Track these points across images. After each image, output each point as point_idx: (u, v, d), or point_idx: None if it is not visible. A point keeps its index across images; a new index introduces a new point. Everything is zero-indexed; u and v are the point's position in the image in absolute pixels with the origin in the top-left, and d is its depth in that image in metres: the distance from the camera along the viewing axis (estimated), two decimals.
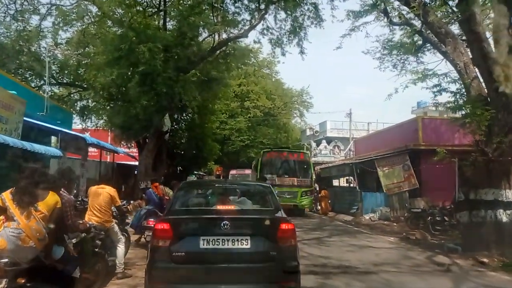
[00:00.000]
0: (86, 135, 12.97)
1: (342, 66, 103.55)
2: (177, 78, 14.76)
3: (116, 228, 6.77)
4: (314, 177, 20.58)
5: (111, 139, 26.82)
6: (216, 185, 7.42)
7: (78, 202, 10.79)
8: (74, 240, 5.02)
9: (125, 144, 23.79)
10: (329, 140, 34.98)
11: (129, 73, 15.12)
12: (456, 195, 10.87)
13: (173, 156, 23.03)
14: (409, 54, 12.72)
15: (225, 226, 4.76)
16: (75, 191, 11.37)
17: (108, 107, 18.78)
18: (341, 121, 36.95)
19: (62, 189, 4.71)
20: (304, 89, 39.41)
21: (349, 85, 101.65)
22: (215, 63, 19.20)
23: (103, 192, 6.67)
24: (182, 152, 23.57)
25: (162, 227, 4.85)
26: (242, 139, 35.24)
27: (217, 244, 4.73)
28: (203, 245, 4.72)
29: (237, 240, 4.76)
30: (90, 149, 22.64)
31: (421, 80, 10.91)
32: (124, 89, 19.03)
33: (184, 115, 20.33)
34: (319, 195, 21.92)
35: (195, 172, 32.61)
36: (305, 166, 20.23)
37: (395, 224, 16.19)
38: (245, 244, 4.76)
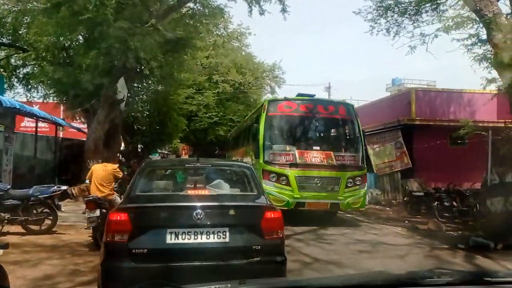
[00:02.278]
0: (3, 97, 9.65)
1: (317, 46, 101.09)
2: (134, 31, 11.59)
3: (118, 199, 7.21)
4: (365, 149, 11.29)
5: (63, 112, 23.30)
6: (186, 165, 5.87)
7: None
8: None
9: (79, 118, 20.39)
10: None
11: (72, 23, 11.73)
12: (488, 177, 8.58)
13: (132, 132, 19.84)
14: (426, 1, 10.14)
15: (198, 216, 3.91)
16: None
17: (51, 72, 15.30)
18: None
19: None
20: (277, 63, 36.44)
21: (322, 66, 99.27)
22: (182, 23, 16.11)
23: (106, 169, 7.61)
24: (143, 128, 20.35)
25: (118, 217, 3.92)
26: (210, 115, 32.03)
27: (188, 238, 3.89)
28: (171, 239, 3.86)
29: (213, 232, 3.93)
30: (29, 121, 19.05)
31: (456, 27, 8.42)
32: (71, 51, 15.74)
33: (144, 82, 17.03)
34: None
35: (159, 151, 29.36)
36: (350, 130, 11.13)
37: (388, 208, 14.03)
38: (222, 237, 3.93)
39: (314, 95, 11.50)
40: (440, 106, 16.00)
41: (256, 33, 63.12)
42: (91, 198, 7.04)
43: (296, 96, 11.47)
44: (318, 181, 9.80)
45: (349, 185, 10.00)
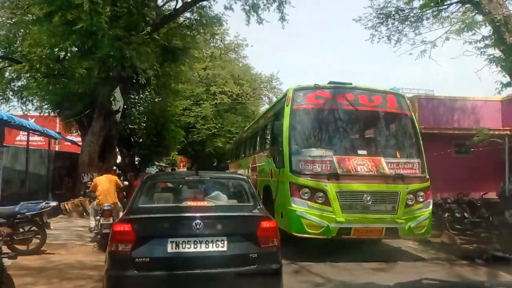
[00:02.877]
0: None
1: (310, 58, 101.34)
2: (129, 40, 11.12)
3: (119, 204, 8.88)
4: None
5: (59, 125, 22.70)
6: (186, 178, 6.07)
7: None
8: None
9: (75, 131, 19.81)
10: None
11: (65, 33, 11.24)
12: (506, 186, 8.04)
13: (129, 144, 19.28)
14: (432, 5, 9.73)
15: (198, 226, 4.06)
16: None
17: (45, 83, 14.77)
18: None
19: None
20: (274, 74, 36.21)
21: (320, 74, 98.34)
22: (179, 32, 15.69)
23: (110, 179, 8.77)
24: (140, 140, 19.78)
25: (122, 228, 4.06)
26: (208, 127, 31.50)
27: (188, 247, 4.02)
28: (172, 248, 3.99)
29: (212, 241, 4.06)
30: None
31: (468, 29, 7.96)
32: (66, 63, 15.22)
33: (141, 93, 16.51)
34: None
35: (156, 163, 28.70)
36: (404, 128, 8.40)
37: None
38: (221, 246, 4.07)
39: (351, 83, 8.28)
40: (444, 114, 15.52)
41: (253, 44, 62.77)
42: (108, 207, 8.01)
43: (328, 84, 8.25)
44: (368, 198, 6.98)
45: (410, 203, 7.26)
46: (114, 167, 15.20)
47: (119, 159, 20.08)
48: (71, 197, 12.46)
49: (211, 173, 6.91)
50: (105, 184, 8.56)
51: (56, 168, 14.91)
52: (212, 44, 35.93)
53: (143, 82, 11.61)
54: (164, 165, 33.77)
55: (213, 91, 32.38)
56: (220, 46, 35.65)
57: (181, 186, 6.12)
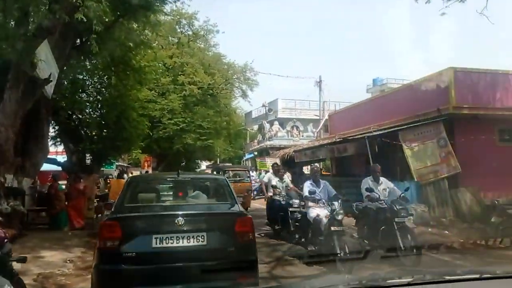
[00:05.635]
0: None
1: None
2: None
3: None
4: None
5: None
6: (168, 178, 6.24)
7: None
8: None
9: None
10: (281, 122, 27.84)
11: None
12: None
13: (78, 138, 14.36)
14: None
15: (180, 223, 4.27)
16: None
17: None
18: (293, 100, 29.81)
19: None
20: (248, 64, 31.93)
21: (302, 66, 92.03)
22: None
23: (119, 183, 10.85)
24: (92, 133, 14.89)
25: (110, 226, 4.30)
26: (176, 121, 26.75)
27: (171, 243, 4.24)
28: (156, 244, 4.20)
29: (193, 237, 4.29)
30: None
31: None
32: None
33: (88, 63, 11.57)
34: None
35: (116, 163, 23.63)
36: None
37: (446, 232, 9.54)
38: (201, 240, 4.29)
39: None
40: (484, 91, 11.89)
41: (225, 31, 58.46)
42: (109, 202, 9.00)
43: None
44: None
45: None
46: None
47: (63, 157, 15.14)
48: None
49: (192, 174, 7.94)
50: (116, 186, 10.63)
51: None
52: (179, 30, 31.28)
53: (91, 25, 6.91)
54: (125, 165, 28.57)
55: (181, 81, 27.77)
56: (188, 33, 31.10)
57: (163, 186, 6.19)
